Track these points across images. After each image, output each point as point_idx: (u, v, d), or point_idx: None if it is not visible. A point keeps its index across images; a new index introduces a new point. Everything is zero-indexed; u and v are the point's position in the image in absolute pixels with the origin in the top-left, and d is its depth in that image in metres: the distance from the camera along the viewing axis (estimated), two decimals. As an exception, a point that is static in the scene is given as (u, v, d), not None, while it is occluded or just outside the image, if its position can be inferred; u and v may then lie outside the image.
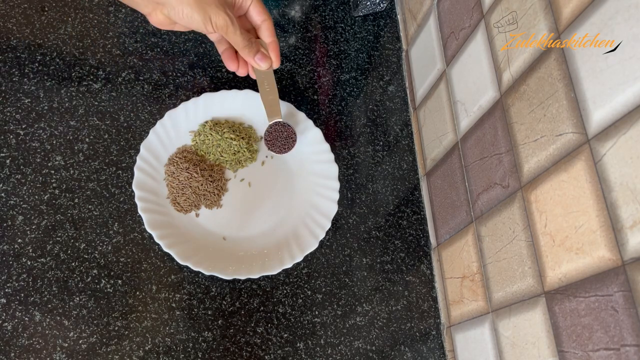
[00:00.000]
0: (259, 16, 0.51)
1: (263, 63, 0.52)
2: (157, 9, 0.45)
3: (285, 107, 0.65)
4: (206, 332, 0.57)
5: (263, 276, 0.60)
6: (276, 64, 0.53)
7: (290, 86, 0.71)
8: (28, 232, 0.56)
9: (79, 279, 0.56)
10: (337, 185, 0.63)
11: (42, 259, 0.56)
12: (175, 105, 0.64)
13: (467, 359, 0.58)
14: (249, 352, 0.57)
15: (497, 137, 0.52)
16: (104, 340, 0.54)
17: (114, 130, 0.63)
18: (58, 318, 0.54)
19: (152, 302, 0.57)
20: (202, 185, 0.61)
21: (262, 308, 0.59)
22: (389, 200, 0.68)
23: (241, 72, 0.54)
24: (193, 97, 0.64)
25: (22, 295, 0.54)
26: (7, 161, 0.59)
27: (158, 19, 0.46)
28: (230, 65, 0.53)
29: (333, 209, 0.62)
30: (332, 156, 0.64)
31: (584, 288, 0.40)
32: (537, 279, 0.46)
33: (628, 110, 0.36)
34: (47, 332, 0.53)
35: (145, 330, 0.56)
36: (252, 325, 0.58)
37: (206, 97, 0.63)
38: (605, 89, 0.37)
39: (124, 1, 0.46)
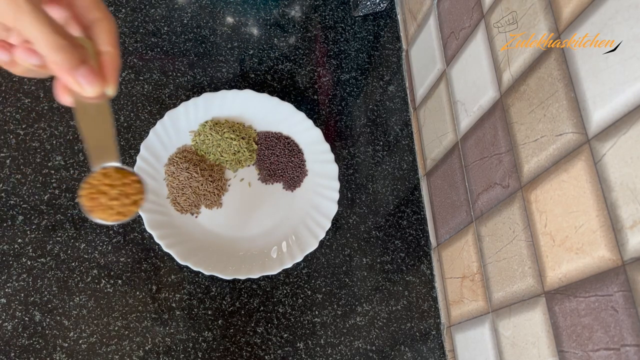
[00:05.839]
0: (89, 13, 0.33)
1: (89, 85, 0.32)
2: None
3: (285, 107, 0.65)
4: (206, 332, 0.57)
5: (263, 276, 0.60)
6: (112, 90, 0.34)
7: (290, 86, 0.71)
8: (28, 232, 0.56)
9: (79, 279, 0.56)
10: (337, 185, 0.63)
11: (42, 259, 0.56)
12: (175, 105, 0.64)
13: (467, 359, 0.58)
14: (249, 352, 0.57)
15: (497, 137, 0.52)
16: (104, 340, 0.54)
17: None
18: (58, 318, 0.54)
19: (152, 302, 0.57)
20: (202, 185, 0.61)
21: (262, 308, 0.59)
22: (389, 200, 0.68)
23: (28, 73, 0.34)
24: (193, 97, 0.64)
25: (22, 295, 0.54)
26: (7, 161, 0.59)
27: None
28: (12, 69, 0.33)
29: (333, 208, 0.62)
30: (332, 156, 0.64)
31: (584, 288, 0.40)
32: (537, 279, 0.46)
33: (628, 110, 0.36)
34: (47, 332, 0.53)
35: (145, 330, 0.56)
36: (252, 325, 0.58)
37: (206, 97, 0.63)
38: (605, 89, 0.37)
39: None
